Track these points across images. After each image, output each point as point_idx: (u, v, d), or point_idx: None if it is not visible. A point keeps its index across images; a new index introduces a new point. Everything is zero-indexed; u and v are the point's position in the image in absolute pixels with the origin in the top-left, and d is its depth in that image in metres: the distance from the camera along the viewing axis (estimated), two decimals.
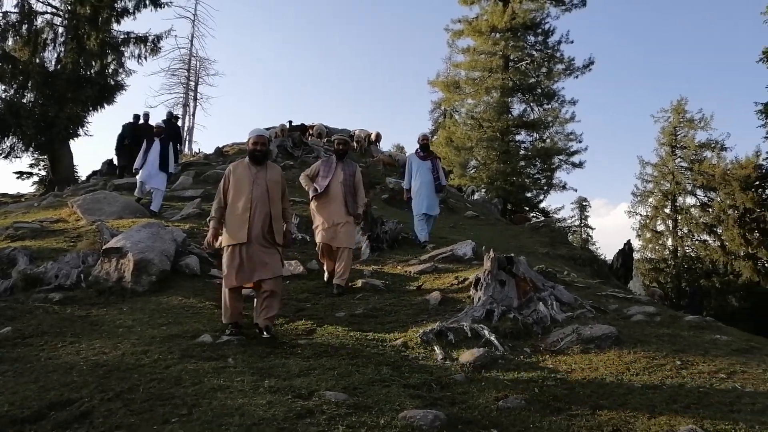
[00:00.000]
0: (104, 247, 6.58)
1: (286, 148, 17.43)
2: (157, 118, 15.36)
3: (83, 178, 22.62)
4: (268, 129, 24.55)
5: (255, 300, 5.19)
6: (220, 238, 5.10)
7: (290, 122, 24.33)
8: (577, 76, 28.91)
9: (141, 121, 15.30)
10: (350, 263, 6.89)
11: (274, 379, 4.04)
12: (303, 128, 24.36)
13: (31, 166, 27.39)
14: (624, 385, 4.07)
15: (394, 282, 7.07)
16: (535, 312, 5.45)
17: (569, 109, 29.27)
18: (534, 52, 30.05)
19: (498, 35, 29.30)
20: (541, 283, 5.89)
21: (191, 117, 37.13)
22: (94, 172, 19.50)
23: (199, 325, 5.17)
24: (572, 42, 29.14)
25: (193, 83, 36.90)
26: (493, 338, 4.92)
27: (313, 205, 7.05)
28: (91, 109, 22.89)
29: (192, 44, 35.62)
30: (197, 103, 36.80)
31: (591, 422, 3.55)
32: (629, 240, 16.70)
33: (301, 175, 7.28)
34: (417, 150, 9.72)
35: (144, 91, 63.53)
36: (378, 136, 24.86)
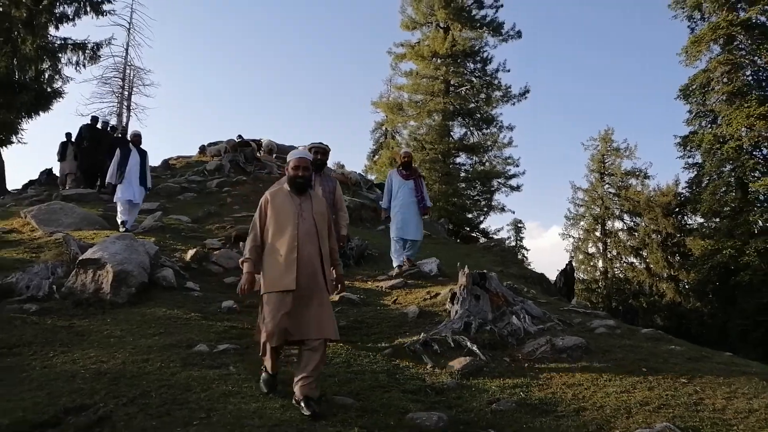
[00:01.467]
0: (80, 258, 6.50)
1: (238, 163, 17.35)
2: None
3: (12, 188, 21.60)
4: (215, 144, 24.34)
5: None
6: (256, 284, 4.14)
7: (240, 136, 24.12)
8: (514, 103, 30.51)
9: (98, 127, 14.90)
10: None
11: (280, 385, 4.22)
12: (246, 143, 24.15)
13: None
14: (600, 389, 4.50)
15: (368, 296, 7.32)
16: (509, 325, 5.84)
17: (507, 135, 30.72)
18: (473, 79, 31.33)
19: (439, 60, 30.44)
20: (512, 298, 6.31)
21: (125, 127, 36.16)
22: (31, 182, 18.66)
23: (191, 335, 5.25)
24: (509, 71, 30.74)
25: (127, 92, 35.99)
26: (475, 348, 5.26)
27: None
28: (24, 115, 22.06)
29: (127, 53, 34.74)
30: (131, 113, 35.86)
31: (576, 422, 3.93)
32: (571, 260, 17.70)
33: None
34: (398, 168, 9.02)
35: (75, 99, 60.61)
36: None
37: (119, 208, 10.07)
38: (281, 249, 3.99)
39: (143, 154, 10.49)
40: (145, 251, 7.16)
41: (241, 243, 9.42)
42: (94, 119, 14.85)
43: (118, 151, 10.28)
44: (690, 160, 26.41)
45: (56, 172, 17.70)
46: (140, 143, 10.59)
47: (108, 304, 6.11)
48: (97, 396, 3.85)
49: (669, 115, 75.32)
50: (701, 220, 26.82)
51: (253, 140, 24.47)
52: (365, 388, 4.35)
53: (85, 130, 14.19)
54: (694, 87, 25.16)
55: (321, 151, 6.18)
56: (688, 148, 25.92)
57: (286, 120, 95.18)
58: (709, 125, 25.30)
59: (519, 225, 44.77)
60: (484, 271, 6.44)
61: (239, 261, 4.30)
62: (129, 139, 10.79)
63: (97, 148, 13.58)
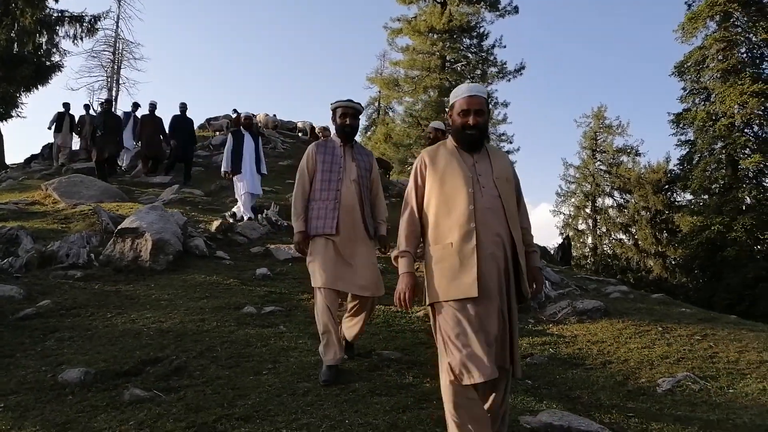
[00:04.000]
0: (119, 227, 6.76)
1: None
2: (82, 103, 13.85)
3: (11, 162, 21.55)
4: (215, 119, 24.34)
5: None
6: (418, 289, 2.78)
7: (235, 110, 24.12)
8: (509, 80, 30.66)
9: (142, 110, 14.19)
10: (368, 318, 4.27)
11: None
12: (237, 119, 24.04)
13: None
14: (622, 346, 4.90)
15: (388, 264, 7.66)
16: None
17: (502, 111, 30.95)
18: (469, 55, 31.49)
19: (436, 36, 30.48)
20: None
21: (114, 101, 35.88)
22: (33, 156, 18.69)
23: (237, 299, 5.56)
24: (505, 47, 30.84)
25: (116, 66, 35.68)
26: None
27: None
28: (24, 89, 22.03)
29: (117, 25, 34.40)
30: (121, 87, 35.61)
31: (605, 373, 4.33)
32: (568, 235, 18.17)
33: (295, 190, 4.14)
34: (426, 145, 7.93)
35: (65, 72, 59.78)
36: (325, 130, 25.21)
37: (240, 203, 9.34)
38: (451, 235, 2.64)
39: (257, 139, 9.40)
40: (175, 221, 7.43)
41: (259, 215, 9.67)
42: (153, 105, 13.83)
43: (230, 138, 9.22)
44: (682, 138, 26.91)
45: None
46: (251, 126, 9.44)
47: (147, 271, 6.39)
48: (167, 350, 4.16)
49: (663, 92, 75.72)
50: (690, 197, 27.46)
51: (250, 115, 24.42)
52: (408, 344, 4.70)
53: (174, 120, 13.05)
54: (689, 64, 25.53)
55: (352, 113, 4.15)
56: (681, 125, 26.39)
57: (277, 94, 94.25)
58: (703, 102, 25.75)
59: None
60: None
61: (392, 257, 2.95)
62: (241, 122, 9.43)
63: (176, 135, 12.97)
